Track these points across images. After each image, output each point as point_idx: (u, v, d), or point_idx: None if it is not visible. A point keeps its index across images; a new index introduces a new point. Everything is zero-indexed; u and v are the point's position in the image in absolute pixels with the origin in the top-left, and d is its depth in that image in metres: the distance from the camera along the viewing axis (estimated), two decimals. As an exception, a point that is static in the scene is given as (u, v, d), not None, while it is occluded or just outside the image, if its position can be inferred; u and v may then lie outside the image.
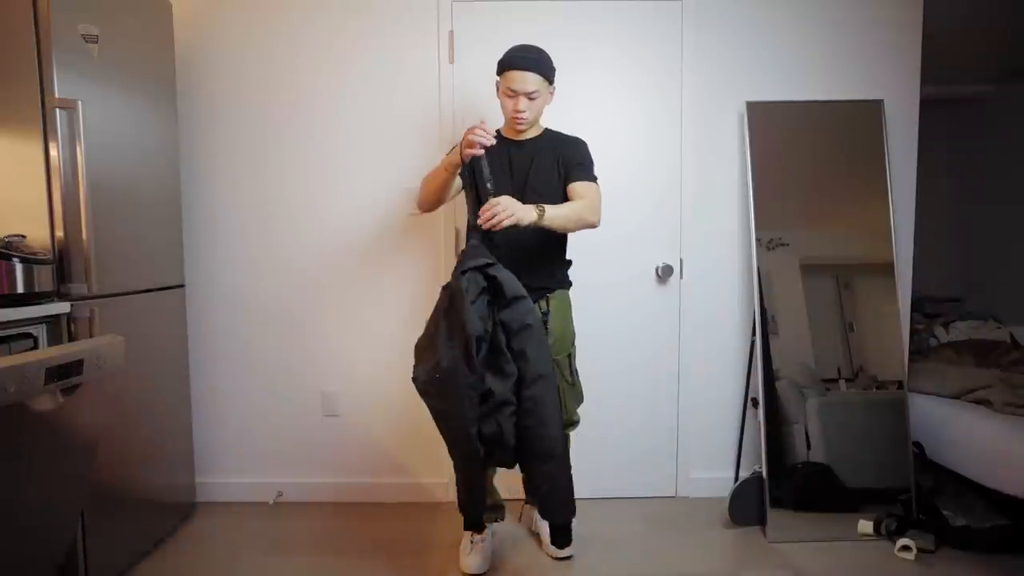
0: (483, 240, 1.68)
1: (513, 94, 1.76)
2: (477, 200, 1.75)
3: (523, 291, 1.63)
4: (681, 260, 2.36)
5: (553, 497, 1.74)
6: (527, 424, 1.61)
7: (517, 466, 1.72)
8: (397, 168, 2.32)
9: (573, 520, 1.88)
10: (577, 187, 1.81)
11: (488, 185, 1.64)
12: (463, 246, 1.96)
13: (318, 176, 2.34)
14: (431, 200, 1.87)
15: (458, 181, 1.85)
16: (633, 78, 2.32)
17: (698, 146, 2.34)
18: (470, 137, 1.63)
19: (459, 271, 1.60)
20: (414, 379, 1.63)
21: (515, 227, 1.61)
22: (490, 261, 1.62)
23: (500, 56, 1.81)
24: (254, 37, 2.31)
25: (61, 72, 1.61)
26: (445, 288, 1.65)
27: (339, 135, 2.34)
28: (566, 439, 1.80)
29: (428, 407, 1.66)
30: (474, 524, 1.91)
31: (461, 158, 1.68)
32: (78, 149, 1.63)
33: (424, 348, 1.63)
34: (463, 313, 1.51)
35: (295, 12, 2.31)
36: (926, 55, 2.33)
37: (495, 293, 1.61)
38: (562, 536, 1.92)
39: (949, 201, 3.68)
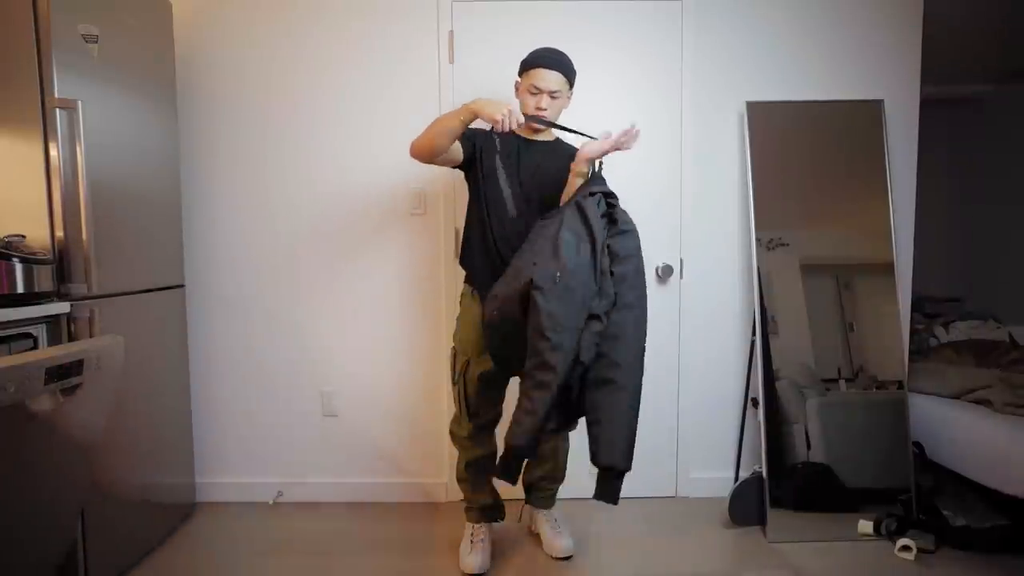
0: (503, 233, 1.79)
1: (536, 91, 1.77)
2: (478, 196, 1.82)
3: (634, 226, 1.68)
4: (681, 260, 2.36)
5: (612, 432, 1.55)
6: (603, 350, 1.56)
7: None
8: (397, 168, 2.32)
9: (624, 478, 1.61)
10: None
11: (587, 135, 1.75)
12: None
13: (318, 176, 2.34)
14: (430, 145, 1.70)
15: (456, 151, 1.77)
16: (633, 78, 2.32)
17: (698, 146, 2.34)
18: (505, 111, 1.59)
19: (586, 192, 1.64)
20: (493, 297, 1.65)
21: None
22: (613, 192, 1.67)
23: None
24: (254, 37, 2.32)
25: (61, 72, 1.61)
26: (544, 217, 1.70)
27: (339, 135, 2.34)
28: (635, 394, 1.60)
29: (504, 330, 1.61)
30: (487, 507, 1.92)
31: (486, 119, 1.64)
32: (78, 149, 1.63)
33: (514, 274, 1.61)
34: (591, 220, 1.57)
35: (295, 12, 2.31)
36: (926, 55, 2.33)
37: (610, 221, 1.65)
38: (610, 489, 1.61)
39: (949, 201, 3.68)
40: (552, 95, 1.77)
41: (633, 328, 1.60)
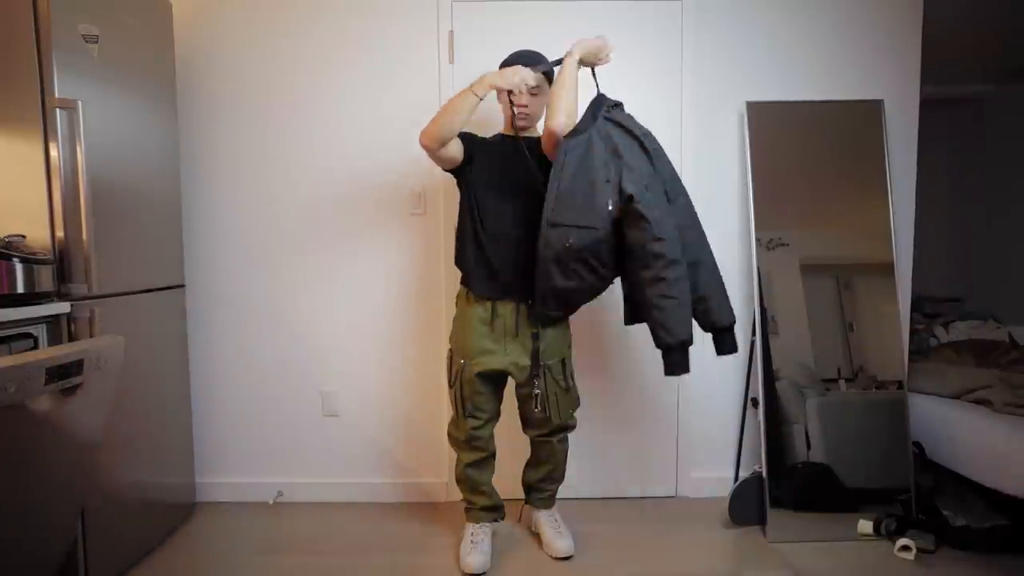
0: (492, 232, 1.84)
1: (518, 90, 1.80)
2: (470, 197, 1.84)
3: (648, 130, 1.81)
4: (681, 260, 2.36)
5: (717, 300, 1.79)
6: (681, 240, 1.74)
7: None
8: (397, 168, 2.32)
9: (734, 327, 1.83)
10: None
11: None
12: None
13: (318, 176, 2.34)
14: (447, 125, 1.72)
15: (457, 148, 1.80)
16: (633, 79, 2.32)
17: (698, 146, 2.34)
18: (519, 75, 1.72)
19: (605, 106, 1.78)
20: (554, 225, 1.68)
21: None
22: (620, 102, 1.84)
23: (498, 57, 1.87)
24: (254, 37, 2.32)
25: (61, 72, 1.61)
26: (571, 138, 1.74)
27: (339, 135, 2.33)
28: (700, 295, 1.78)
29: (587, 250, 1.67)
30: (487, 507, 1.96)
31: (501, 88, 1.75)
32: (78, 149, 1.63)
33: (583, 199, 1.68)
34: (632, 128, 1.74)
35: (295, 12, 2.31)
36: (926, 55, 2.33)
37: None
38: (729, 342, 1.83)
39: (949, 201, 3.68)
40: (531, 91, 1.82)
41: (689, 214, 1.80)
